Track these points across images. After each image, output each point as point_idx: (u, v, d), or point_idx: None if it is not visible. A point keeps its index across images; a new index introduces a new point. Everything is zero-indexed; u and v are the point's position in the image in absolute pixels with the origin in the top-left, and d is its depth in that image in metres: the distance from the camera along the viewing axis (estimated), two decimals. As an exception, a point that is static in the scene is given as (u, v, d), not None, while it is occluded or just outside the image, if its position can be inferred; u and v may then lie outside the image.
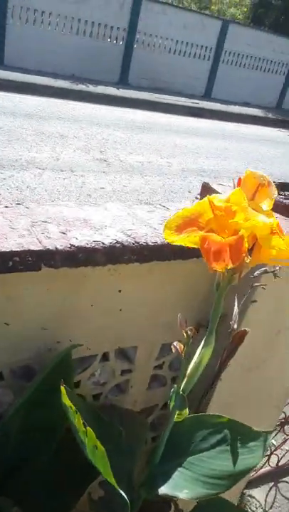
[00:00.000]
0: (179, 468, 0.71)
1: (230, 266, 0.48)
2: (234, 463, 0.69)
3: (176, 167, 5.65)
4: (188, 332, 0.60)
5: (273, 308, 0.94)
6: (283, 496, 1.83)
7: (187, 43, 10.97)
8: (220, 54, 11.58)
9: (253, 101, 12.33)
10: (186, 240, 0.52)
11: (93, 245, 0.69)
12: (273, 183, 0.61)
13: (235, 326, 0.73)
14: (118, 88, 9.37)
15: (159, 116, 8.46)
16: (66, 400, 0.58)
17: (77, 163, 4.81)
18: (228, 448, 0.71)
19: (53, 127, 5.97)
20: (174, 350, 0.61)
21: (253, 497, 1.81)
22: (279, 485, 1.86)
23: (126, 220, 0.80)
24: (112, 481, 0.60)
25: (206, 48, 11.33)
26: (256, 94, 12.45)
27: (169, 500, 0.90)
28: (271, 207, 0.56)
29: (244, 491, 1.80)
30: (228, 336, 0.74)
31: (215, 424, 0.74)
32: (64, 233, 0.69)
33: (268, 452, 1.84)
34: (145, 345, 0.94)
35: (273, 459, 1.87)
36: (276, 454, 1.87)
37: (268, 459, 1.84)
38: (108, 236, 0.72)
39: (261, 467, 1.87)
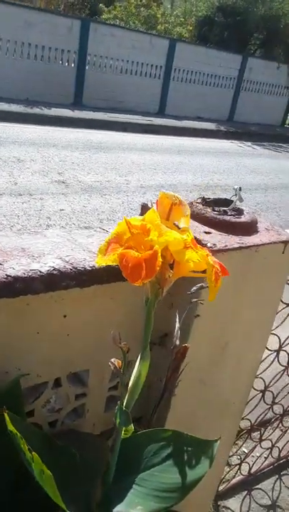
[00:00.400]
0: (132, 486, 0.72)
1: (146, 280, 0.51)
2: (184, 474, 0.70)
3: (135, 184, 5.72)
4: (123, 348, 0.61)
5: (219, 320, 0.97)
6: (258, 503, 1.85)
7: (137, 62, 11.21)
8: (170, 72, 11.88)
9: (205, 115, 12.68)
10: (109, 259, 0.55)
11: (30, 274, 0.70)
12: (186, 203, 0.64)
13: (178, 342, 0.75)
14: (73, 110, 9.43)
15: (115, 135, 8.57)
16: (11, 427, 0.59)
17: (35, 187, 4.81)
18: (177, 461, 0.72)
19: (9, 152, 5.94)
20: (112, 367, 0.62)
21: (228, 508, 1.82)
22: (252, 493, 1.88)
23: (65, 246, 0.81)
24: (61, 503, 0.61)
25: (156, 66, 11.61)
26: (208, 108, 12.82)
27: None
28: (188, 224, 0.59)
29: (219, 503, 1.81)
30: (171, 353, 0.76)
31: (164, 438, 0.75)
32: (1, 264, 0.70)
33: (239, 461, 1.86)
34: (97, 367, 0.94)
35: (245, 467, 1.89)
36: (247, 462, 1.89)
37: (239, 468, 1.86)
38: (46, 264, 0.73)
39: (233, 477, 1.88)
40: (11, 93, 9.16)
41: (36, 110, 8.61)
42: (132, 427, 0.68)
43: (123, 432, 0.69)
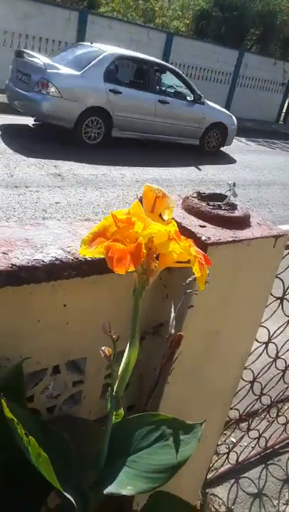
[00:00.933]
0: (123, 468, 0.76)
1: (130, 269, 0.54)
2: (171, 456, 0.74)
3: (130, 178, 5.74)
4: (114, 336, 0.65)
5: (210, 310, 1.01)
6: (244, 491, 1.90)
7: (135, 55, 11.17)
8: (166, 65, 11.84)
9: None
10: (95, 251, 0.58)
11: (34, 264, 0.73)
12: (170, 196, 0.67)
13: (173, 331, 0.79)
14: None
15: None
16: (8, 413, 0.62)
17: (31, 179, 4.82)
18: (165, 443, 0.76)
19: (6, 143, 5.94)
20: (102, 355, 0.66)
21: (216, 495, 1.87)
22: (240, 481, 1.93)
23: (66, 238, 0.85)
24: (57, 484, 0.64)
25: (153, 60, 11.56)
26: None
27: (123, 502, 0.94)
28: (171, 216, 0.63)
29: (207, 490, 1.86)
30: (166, 341, 0.80)
31: (152, 422, 0.79)
32: (6, 253, 0.73)
33: (227, 450, 1.92)
34: (94, 356, 0.98)
35: (233, 456, 1.95)
36: (235, 451, 1.95)
37: (228, 457, 1.91)
38: (48, 254, 0.77)
39: (221, 465, 1.94)
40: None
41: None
42: (122, 411, 0.72)
43: (114, 417, 0.73)
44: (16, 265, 0.71)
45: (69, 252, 0.79)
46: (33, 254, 0.75)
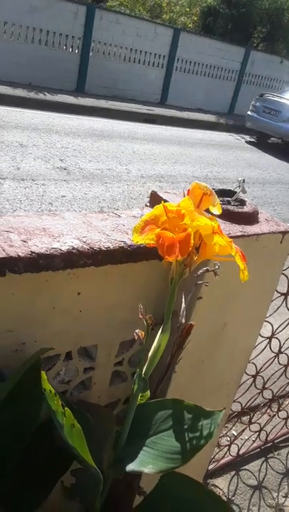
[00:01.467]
0: (143, 448, 0.80)
1: (180, 258, 0.59)
2: (190, 440, 0.78)
3: (135, 173, 5.76)
4: (148, 320, 0.68)
5: (218, 303, 1.04)
6: (245, 483, 1.94)
7: (141, 51, 11.15)
8: (173, 61, 11.84)
9: (206, 107, 12.67)
10: (146, 238, 0.63)
11: (52, 252, 0.76)
12: (214, 192, 0.72)
13: (183, 321, 0.82)
14: (76, 96, 9.41)
15: (116, 123, 8.57)
16: (46, 385, 0.66)
17: (37, 172, 4.84)
18: (185, 427, 0.80)
19: (12, 136, 5.96)
20: (136, 337, 0.69)
21: (217, 486, 1.91)
22: (240, 473, 1.97)
23: (81, 228, 0.88)
24: (88, 457, 0.68)
25: (160, 55, 11.56)
26: (209, 100, 12.80)
27: (132, 483, 0.98)
28: (220, 211, 0.68)
29: (208, 481, 1.90)
30: (177, 330, 0.83)
31: (173, 407, 0.83)
32: (25, 241, 0.76)
33: (228, 442, 1.95)
34: (105, 343, 1.01)
35: (234, 449, 1.98)
36: (236, 444, 1.98)
37: (229, 449, 1.95)
38: (65, 243, 0.80)
39: (223, 457, 1.97)
40: (15, 77, 9.13)
41: (40, 95, 8.59)
42: (148, 392, 0.76)
43: (139, 398, 0.76)
44: (35, 253, 0.74)
45: (85, 242, 0.82)
46: (50, 243, 0.78)
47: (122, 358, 1.09)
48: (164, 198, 1.04)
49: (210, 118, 11.41)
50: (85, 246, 0.81)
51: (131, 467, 0.80)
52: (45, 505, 0.88)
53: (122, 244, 0.86)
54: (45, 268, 0.76)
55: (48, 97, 8.72)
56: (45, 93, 8.89)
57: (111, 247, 0.84)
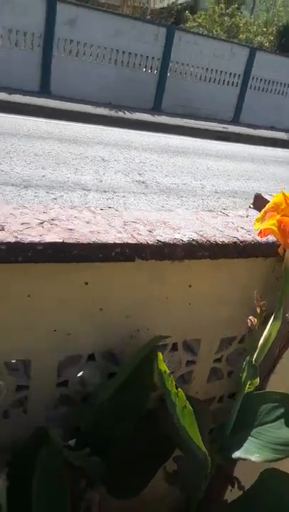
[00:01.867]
0: (248, 437, 0.82)
1: None
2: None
3: (209, 189, 5.80)
4: (262, 307, 0.71)
5: None
6: None
7: (217, 70, 11.29)
8: (248, 80, 11.85)
9: (278, 125, 12.50)
10: (268, 223, 0.66)
11: (175, 242, 0.82)
12: None
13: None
14: (153, 115, 9.69)
15: (191, 140, 8.70)
16: (162, 365, 0.70)
17: (118, 185, 5.05)
18: (291, 420, 0.81)
19: (95, 151, 6.27)
20: (249, 324, 0.72)
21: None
22: None
23: (196, 223, 0.93)
24: (198, 438, 0.71)
25: (235, 74, 11.62)
26: (282, 118, 12.64)
27: (230, 476, 0.99)
28: None
29: None
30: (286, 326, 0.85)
31: (277, 399, 0.84)
32: (150, 231, 0.82)
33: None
34: (207, 338, 1.04)
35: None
36: None
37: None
38: (185, 235, 0.85)
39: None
40: (96, 96, 9.60)
41: (120, 114, 8.98)
42: (257, 380, 0.78)
43: (248, 387, 0.78)
44: (161, 241, 0.80)
45: (202, 236, 0.87)
46: (172, 234, 0.84)
47: (220, 355, 1.11)
48: (268, 199, 1.07)
49: (282, 136, 11.25)
50: (202, 239, 0.86)
51: (237, 454, 0.82)
52: (146, 491, 0.92)
53: (235, 240, 0.89)
54: (168, 257, 0.82)
55: (127, 115, 9.07)
56: (125, 111, 9.24)
57: (225, 241, 0.88)
